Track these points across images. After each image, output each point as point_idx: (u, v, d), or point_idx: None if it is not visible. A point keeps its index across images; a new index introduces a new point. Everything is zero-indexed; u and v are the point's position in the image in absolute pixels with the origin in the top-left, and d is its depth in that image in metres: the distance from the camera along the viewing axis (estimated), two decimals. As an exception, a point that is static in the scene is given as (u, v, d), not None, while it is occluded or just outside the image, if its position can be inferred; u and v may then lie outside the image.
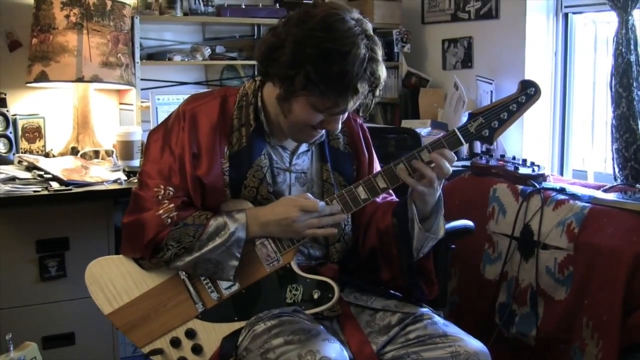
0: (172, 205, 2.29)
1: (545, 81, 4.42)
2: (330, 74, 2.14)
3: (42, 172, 3.37)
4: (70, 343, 3.39)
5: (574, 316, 3.26)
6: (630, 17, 3.66)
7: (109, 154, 3.85)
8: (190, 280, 2.36)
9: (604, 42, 4.22)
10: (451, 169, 2.27)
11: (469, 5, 4.79)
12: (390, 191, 2.45)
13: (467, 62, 4.87)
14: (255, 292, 2.35)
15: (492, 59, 4.68)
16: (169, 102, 4.10)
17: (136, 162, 3.75)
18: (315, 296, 2.34)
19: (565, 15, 4.44)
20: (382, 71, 2.24)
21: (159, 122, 2.60)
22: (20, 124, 3.86)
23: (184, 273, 2.35)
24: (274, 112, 2.36)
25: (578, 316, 3.24)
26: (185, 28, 4.59)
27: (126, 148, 3.78)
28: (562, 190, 3.52)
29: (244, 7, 4.54)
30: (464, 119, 4.27)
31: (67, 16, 3.69)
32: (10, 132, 3.73)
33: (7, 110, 3.75)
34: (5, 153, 3.70)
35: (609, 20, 4.05)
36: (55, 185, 3.26)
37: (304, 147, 2.47)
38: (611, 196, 3.39)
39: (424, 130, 4.36)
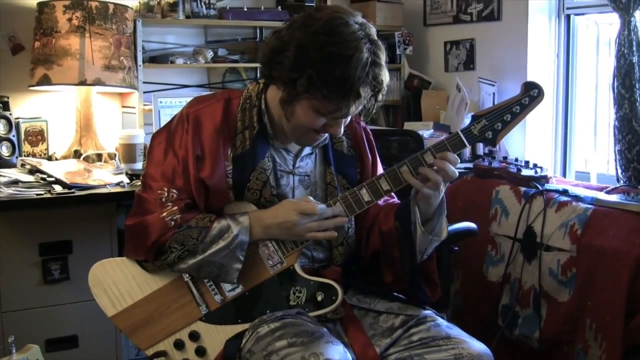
0: (175, 207, 2.30)
1: (548, 83, 4.42)
2: (333, 78, 2.14)
3: (44, 175, 3.37)
4: (74, 346, 3.39)
5: (577, 318, 3.26)
6: (632, 19, 3.66)
7: (111, 157, 3.85)
8: (194, 283, 2.36)
9: (606, 43, 4.23)
10: (457, 172, 2.27)
11: (471, 7, 4.79)
12: (393, 193, 2.45)
13: (469, 64, 4.87)
14: (259, 294, 2.35)
15: (494, 61, 4.68)
16: (171, 105, 4.10)
17: (139, 165, 3.76)
18: (319, 298, 2.34)
19: (568, 17, 4.45)
20: (385, 76, 2.24)
21: (162, 125, 2.60)
22: (23, 127, 3.86)
23: (187, 275, 2.35)
24: (277, 115, 2.36)
25: (581, 318, 3.23)
26: (187, 31, 4.60)
27: (129, 151, 3.78)
28: (564, 192, 3.52)
29: (246, 9, 4.55)
30: (467, 120, 4.32)
31: (70, 19, 3.69)
32: (13, 136, 3.73)
33: (10, 114, 3.75)
34: (8, 156, 3.70)
35: (611, 21, 4.06)
36: (58, 188, 3.26)
37: (307, 149, 2.47)
38: (614, 198, 3.39)
39: (426, 132, 4.36)
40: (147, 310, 2.38)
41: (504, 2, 4.58)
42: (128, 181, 3.47)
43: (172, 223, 2.28)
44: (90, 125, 3.91)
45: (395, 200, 2.55)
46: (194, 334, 2.36)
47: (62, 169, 3.47)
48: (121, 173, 3.61)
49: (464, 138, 2.29)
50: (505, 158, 3.86)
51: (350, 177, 2.50)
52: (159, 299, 2.38)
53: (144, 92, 4.15)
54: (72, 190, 3.26)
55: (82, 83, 3.71)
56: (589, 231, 3.26)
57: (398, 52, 5.03)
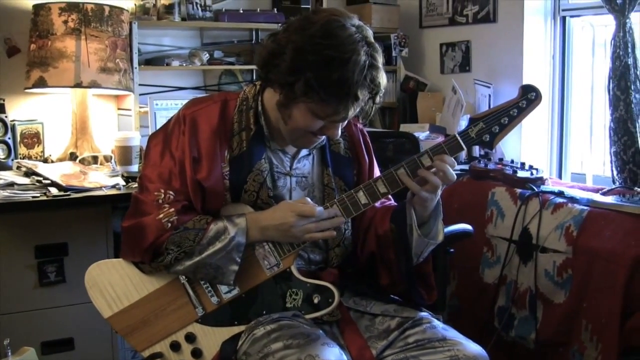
0: (172, 209, 2.29)
1: (544, 84, 4.43)
2: (331, 81, 2.14)
3: (40, 178, 3.37)
4: (70, 348, 3.38)
5: (573, 319, 3.26)
6: (627, 20, 3.67)
7: (107, 159, 3.85)
8: (190, 284, 2.36)
9: (602, 45, 4.23)
10: (455, 175, 2.27)
11: (467, 9, 4.79)
12: (390, 196, 2.45)
13: (465, 66, 4.87)
14: (255, 296, 2.35)
15: (490, 63, 4.69)
16: (167, 107, 4.10)
17: (134, 168, 3.75)
18: (315, 301, 2.34)
19: (563, 19, 4.45)
20: (383, 78, 2.25)
21: (158, 127, 2.60)
22: (18, 129, 3.86)
23: (183, 277, 2.35)
24: (274, 117, 2.36)
25: (577, 319, 3.24)
26: (183, 33, 4.59)
27: (124, 153, 3.77)
28: (560, 194, 3.52)
29: (242, 12, 4.54)
30: (462, 122, 4.32)
31: (66, 22, 3.69)
32: (9, 138, 3.73)
33: (6, 116, 3.74)
34: (3, 159, 3.70)
35: (607, 23, 4.06)
36: (53, 190, 3.26)
37: (304, 151, 2.47)
38: (610, 199, 3.39)
39: (422, 134, 4.37)
40: (144, 311, 2.38)
41: (500, 4, 4.59)
42: (124, 183, 3.46)
43: (169, 225, 2.28)
44: (86, 127, 3.91)
45: (392, 202, 2.55)
46: (190, 335, 2.35)
47: (58, 172, 3.47)
48: (117, 175, 3.60)
49: (461, 141, 2.29)
50: (501, 160, 3.86)
51: (347, 179, 2.50)
52: (156, 301, 2.38)
53: (140, 95, 4.14)
54: (68, 193, 3.25)
55: (78, 85, 3.70)
56: (585, 233, 3.26)
57: (394, 54, 5.03)
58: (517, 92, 2.30)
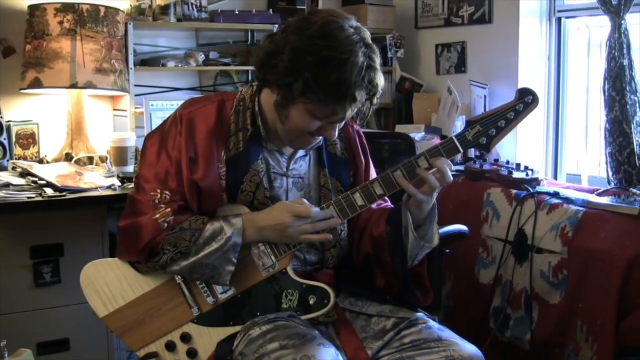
0: (168, 209, 2.29)
1: (539, 85, 4.43)
2: (329, 82, 2.14)
3: (36, 179, 3.37)
4: (65, 349, 3.38)
5: (568, 320, 3.26)
6: (623, 21, 3.67)
7: (102, 160, 3.85)
8: (186, 284, 2.36)
9: (597, 46, 4.24)
10: (451, 177, 2.28)
11: (462, 10, 4.80)
12: (386, 197, 2.45)
13: (460, 66, 4.88)
14: (251, 296, 2.35)
15: (485, 64, 4.69)
16: (162, 108, 4.10)
17: (130, 168, 3.75)
18: (311, 301, 2.34)
19: (559, 20, 4.46)
20: (380, 79, 2.25)
21: (153, 128, 2.60)
22: (14, 130, 3.85)
23: (179, 277, 2.35)
24: (271, 117, 2.36)
25: (572, 320, 3.24)
26: (178, 34, 4.59)
27: (120, 154, 3.77)
28: (555, 194, 3.53)
29: (237, 12, 4.54)
30: (458, 123, 4.33)
31: (61, 22, 3.69)
32: (4, 139, 3.72)
33: (1, 117, 3.73)
34: (-1, 159, 3.70)
35: (602, 24, 4.07)
36: (49, 191, 3.25)
37: (301, 152, 2.47)
38: (605, 200, 3.40)
39: (417, 135, 4.37)
40: (139, 311, 2.38)
41: (495, 5, 4.59)
42: (119, 184, 3.46)
43: (165, 225, 2.28)
44: (82, 128, 3.91)
45: (388, 204, 2.55)
46: (186, 335, 2.36)
47: (54, 172, 3.46)
48: (112, 176, 3.60)
49: (457, 143, 2.29)
50: (496, 160, 3.86)
51: (344, 180, 2.50)
52: (151, 300, 2.38)
53: (135, 95, 4.14)
54: (64, 193, 3.25)
55: (74, 86, 3.70)
56: (580, 233, 3.27)
57: (389, 54, 5.03)
58: (512, 93, 2.31)
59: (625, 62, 3.67)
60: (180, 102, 2.48)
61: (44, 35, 3.69)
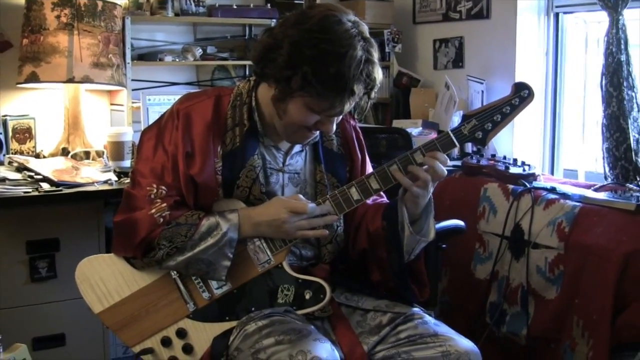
0: (164, 204, 2.29)
1: (536, 81, 4.43)
2: (328, 75, 2.14)
3: (32, 173, 3.37)
4: (61, 344, 3.38)
5: (564, 315, 3.27)
6: (620, 17, 3.67)
7: (99, 154, 3.84)
8: (182, 280, 2.35)
9: (595, 41, 4.23)
10: (445, 171, 2.28)
11: (460, 5, 4.79)
12: (382, 193, 2.45)
13: (458, 62, 4.87)
14: (247, 292, 2.35)
15: (483, 59, 4.69)
16: (160, 103, 4.09)
17: (127, 163, 3.75)
18: (307, 296, 2.34)
19: (556, 15, 4.45)
20: (378, 73, 2.25)
21: (150, 122, 2.59)
22: (10, 124, 3.85)
23: (175, 272, 2.35)
24: (268, 113, 2.36)
25: (569, 315, 3.24)
26: (176, 28, 4.59)
27: (117, 149, 3.76)
28: (552, 190, 3.53)
29: (235, 7, 4.54)
30: (455, 118, 4.33)
31: (58, 17, 3.68)
32: (1, 133, 3.72)
33: (-2, 111, 3.75)
34: (-5, 154, 3.70)
35: (600, 20, 4.06)
36: (45, 186, 3.25)
37: (297, 147, 2.47)
38: (602, 195, 3.40)
39: (415, 130, 4.36)
40: (135, 307, 2.38)
41: (493, 0, 4.59)
42: (116, 179, 3.46)
43: (161, 220, 2.28)
44: (79, 122, 3.90)
45: (384, 199, 2.55)
46: (182, 331, 2.35)
47: (50, 167, 3.46)
48: (109, 171, 3.60)
49: (454, 138, 2.29)
50: (493, 156, 3.87)
51: (340, 176, 2.50)
52: (147, 296, 2.38)
53: (133, 90, 4.13)
54: (60, 188, 3.25)
55: (71, 80, 3.69)
56: (577, 229, 3.27)
57: (387, 49, 5.02)
58: (510, 88, 2.31)
59: (623, 57, 3.66)
60: (177, 97, 2.48)
61: (41, 30, 3.69)
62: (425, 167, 2.27)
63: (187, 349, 2.35)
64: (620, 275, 3.04)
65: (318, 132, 2.41)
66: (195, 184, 2.33)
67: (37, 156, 3.83)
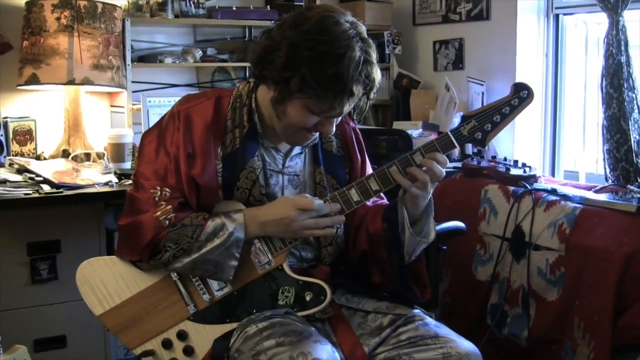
0: (169, 206, 2.28)
1: (537, 82, 4.43)
2: (326, 77, 2.14)
3: (33, 175, 3.36)
4: (62, 346, 3.38)
5: (565, 317, 3.26)
6: (620, 18, 3.67)
7: (100, 156, 3.84)
8: (182, 282, 2.35)
9: (595, 43, 4.23)
10: (444, 171, 2.28)
11: (460, 7, 4.79)
12: (382, 194, 2.45)
13: (458, 63, 4.87)
14: (247, 293, 2.35)
15: (483, 61, 4.69)
16: (160, 105, 4.09)
17: (127, 165, 3.75)
18: (307, 298, 2.34)
19: (556, 17, 4.45)
20: (377, 73, 2.25)
21: (151, 124, 2.59)
22: (11, 126, 3.84)
23: (175, 274, 2.34)
24: (267, 114, 2.36)
25: (570, 317, 3.24)
26: (176, 30, 4.59)
27: (117, 150, 3.77)
28: (553, 191, 3.53)
29: (235, 9, 4.54)
30: (456, 120, 4.33)
31: (58, 19, 3.68)
32: (1, 135, 3.72)
33: (-2, 113, 3.75)
34: (-4, 156, 3.70)
35: (600, 21, 4.06)
36: (46, 188, 3.25)
37: (297, 149, 2.47)
38: (602, 197, 3.40)
39: (415, 131, 4.37)
40: (135, 309, 2.38)
41: (493, 1, 4.59)
42: (116, 181, 3.46)
43: (167, 222, 2.27)
44: (79, 124, 3.90)
45: (384, 201, 2.55)
46: (182, 333, 2.35)
47: (51, 169, 3.46)
48: (110, 172, 3.60)
49: (453, 139, 2.29)
50: (494, 157, 3.87)
51: (339, 178, 2.50)
52: (147, 298, 2.37)
53: (133, 92, 4.13)
54: (61, 190, 3.25)
55: (71, 82, 3.69)
56: (578, 230, 3.27)
57: (387, 51, 5.03)
58: (510, 90, 2.31)
59: (623, 59, 3.67)
60: (177, 99, 2.47)
61: (41, 32, 3.69)
62: (424, 168, 2.26)
63: (188, 351, 2.35)
64: (621, 277, 3.04)
65: (317, 133, 2.40)
66: (197, 185, 2.33)
67: (38, 158, 3.83)
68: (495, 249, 3.66)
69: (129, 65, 4.06)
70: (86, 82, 3.72)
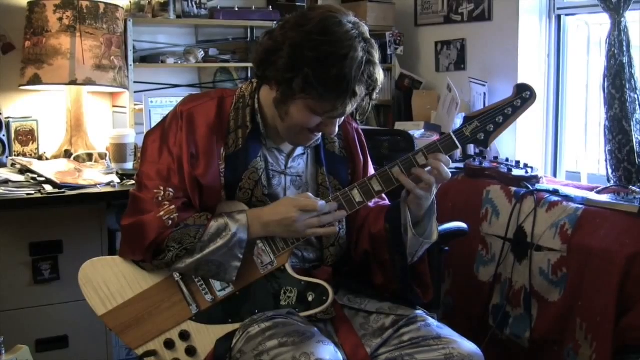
0: (173, 206, 2.29)
1: (539, 83, 4.43)
2: (329, 77, 2.13)
3: (35, 175, 3.37)
4: (64, 346, 3.38)
5: (567, 318, 3.26)
6: (622, 19, 3.67)
7: (102, 156, 3.84)
8: (185, 282, 2.35)
9: (597, 43, 4.23)
10: (450, 173, 2.27)
11: (462, 8, 4.79)
12: (384, 195, 2.45)
13: (460, 64, 4.87)
14: (250, 294, 2.35)
15: (485, 61, 4.69)
16: (162, 105, 4.10)
17: (129, 165, 3.75)
18: (310, 299, 2.34)
19: (558, 17, 4.45)
20: (380, 74, 2.25)
21: (153, 125, 2.59)
22: (13, 126, 3.84)
23: (178, 274, 2.35)
24: (270, 115, 2.36)
25: (572, 318, 3.24)
26: (178, 31, 4.59)
27: (119, 151, 3.77)
28: (555, 192, 3.53)
29: (237, 9, 4.54)
30: (458, 120, 4.32)
31: (60, 19, 3.68)
32: (4, 135, 3.72)
33: (0, 113, 3.73)
34: (-2, 156, 3.70)
35: (602, 22, 4.06)
36: (48, 188, 3.25)
37: (299, 150, 2.47)
38: (604, 198, 3.39)
39: (417, 132, 4.37)
40: (138, 309, 2.38)
41: (495, 2, 4.59)
42: (119, 181, 3.46)
43: (170, 222, 2.28)
44: (81, 125, 3.90)
45: (386, 202, 2.55)
46: (185, 333, 2.35)
47: (53, 169, 3.46)
48: (112, 173, 3.60)
49: (456, 139, 2.29)
50: (496, 158, 3.87)
51: (342, 178, 2.50)
52: (150, 298, 2.37)
53: (135, 92, 4.13)
54: (63, 190, 3.25)
55: (73, 83, 3.70)
56: (580, 231, 3.27)
57: (389, 52, 5.03)
58: (512, 90, 2.31)
59: (625, 59, 3.66)
60: (179, 99, 2.47)
61: (43, 32, 3.69)
62: (429, 168, 2.26)
63: (190, 351, 2.35)
64: (623, 278, 3.04)
65: (320, 134, 2.40)
66: (200, 186, 2.33)
67: (40, 158, 3.83)
68: (497, 249, 3.65)
69: (131, 65, 4.06)
70: (88, 82, 3.73)
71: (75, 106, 3.89)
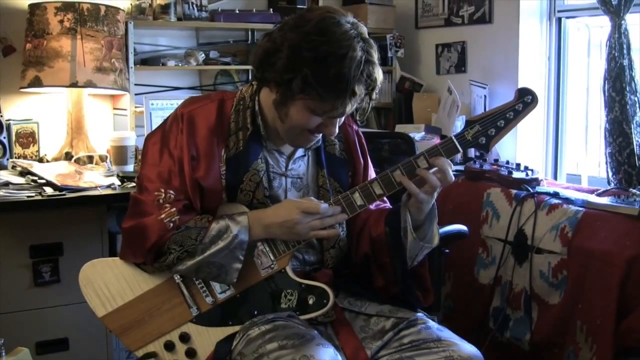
0: (174, 209, 2.29)
1: (539, 85, 4.43)
2: (328, 77, 2.14)
3: (35, 178, 3.36)
4: (64, 348, 3.38)
5: (568, 320, 3.26)
6: (623, 22, 3.67)
7: (102, 159, 3.85)
8: (185, 284, 2.36)
9: (597, 46, 4.24)
10: (453, 177, 2.27)
11: (463, 10, 4.79)
12: (385, 198, 2.45)
13: (460, 66, 4.88)
14: (250, 296, 2.35)
15: (485, 64, 4.69)
16: (163, 107, 4.10)
17: (130, 168, 3.75)
18: (310, 301, 2.34)
19: (559, 20, 4.45)
20: (379, 73, 2.24)
21: (153, 127, 2.59)
22: (14, 129, 3.85)
23: (178, 276, 2.35)
24: (271, 116, 2.36)
25: (572, 320, 3.24)
26: (179, 33, 4.59)
27: (120, 153, 3.77)
28: (555, 195, 3.53)
29: (237, 12, 4.54)
30: (458, 123, 4.33)
31: (61, 21, 3.69)
32: (4, 137, 3.72)
33: (1, 116, 3.73)
34: (-1, 158, 3.70)
35: (602, 24, 4.06)
36: (49, 190, 3.25)
37: (300, 152, 2.47)
38: (605, 200, 3.39)
39: (417, 134, 4.37)
40: (138, 311, 2.38)
41: (495, 5, 4.59)
42: (119, 183, 3.46)
43: (171, 225, 2.28)
44: (82, 127, 3.91)
45: (387, 205, 2.54)
46: (185, 335, 2.35)
47: (53, 171, 3.46)
48: (112, 175, 3.60)
49: (457, 143, 2.28)
50: (496, 161, 3.86)
51: (342, 181, 2.50)
52: (150, 300, 2.37)
53: (136, 94, 4.14)
54: (63, 193, 3.25)
55: (74, 85, 3.70)
56: (580, 234, 3.26)
57: (389, 54, 5.03)
58: (512, 93, 2.30)
59: (625, 62, 3.67)
60: (180, 102, 2.47)
61: (44, 34, 3.70)
62: (434, 170, 2.26)
63: (190, 354, 2.35)
64: (623, 280, 3.04)
65: (320, 135, 2.40)
66: (201, 188, 2.33)
67: (41, 160, 3.83)
68: (497, 252, 3.65)
69: (131, 68, 4.07)
70: (89, 84, 3.73)
71: (76, 108, 3.89)
